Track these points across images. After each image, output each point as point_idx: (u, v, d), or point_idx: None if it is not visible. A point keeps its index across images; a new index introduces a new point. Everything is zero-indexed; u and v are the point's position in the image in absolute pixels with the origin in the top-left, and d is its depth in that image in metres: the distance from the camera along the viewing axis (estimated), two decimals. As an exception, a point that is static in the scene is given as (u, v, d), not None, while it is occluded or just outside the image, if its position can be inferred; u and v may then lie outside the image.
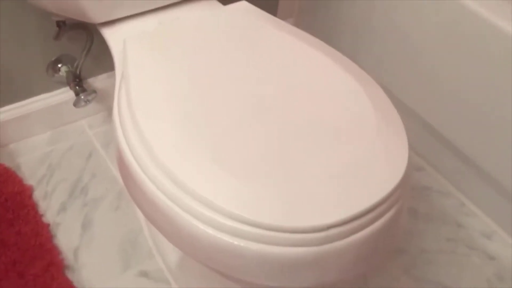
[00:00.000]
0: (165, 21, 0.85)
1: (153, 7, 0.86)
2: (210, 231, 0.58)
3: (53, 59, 1.07)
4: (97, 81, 1.15)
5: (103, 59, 1.11)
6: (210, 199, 0.58)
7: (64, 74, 1.08)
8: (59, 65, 1.08)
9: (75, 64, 1.05)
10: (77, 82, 1.06)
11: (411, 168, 0.65)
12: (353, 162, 0.62)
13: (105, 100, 1.18)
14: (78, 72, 1.06)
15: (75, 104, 1.06)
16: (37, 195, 1.04)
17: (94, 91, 1.06)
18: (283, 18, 1.33)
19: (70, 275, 0.92)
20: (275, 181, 0.59)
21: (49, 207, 1.02)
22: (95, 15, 0.81)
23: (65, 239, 0.98)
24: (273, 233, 0.56)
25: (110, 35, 0.83)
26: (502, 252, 1.01)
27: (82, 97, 1.05)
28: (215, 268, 0.62)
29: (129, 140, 0.65)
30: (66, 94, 1.13)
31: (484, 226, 1.05)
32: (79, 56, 1.04)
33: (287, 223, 0.56)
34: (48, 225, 0.98)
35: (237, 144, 0.63)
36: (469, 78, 1.00)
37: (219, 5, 0.90)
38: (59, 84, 1.12)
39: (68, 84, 1.08)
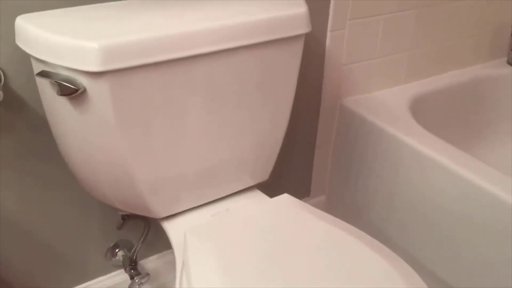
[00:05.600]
0: (217, 212, 0.98)
1: (207, 201, 0.99)
2: None
3: (111, 244, 1.19)
4: (148, 262, 1.25)
5: (155, 243, 1.23)
6: None
7: (121, 258, 1.18)
8: (117, 250, 1.19)
9: (132, 250, 1.16)
10: (132, 266, 1.16)
11: None
12: None
13: (155, 280, 1.27)
14: (134, 257, 1.16)
15: (130, 287, 1.14)
16: None
17: (148, 274, 1.15)
18: (316, 195, 1.46)
19: None
20: None
21: None
22: (158, 212, 0.94)
23: None
24: None
25: (171, 228, 0.95)
26: None
27: (137, 280, 1.13)
28: None
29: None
30: (120, 276, 1.22)
31: None
32: (137, 243, 1.15)
33: None
34: None
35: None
36: (487, 245, 1.06)
37: (265, 196, 1.02)
38: (115, 267, 1.22)
39: (124, 267, 1.18)
